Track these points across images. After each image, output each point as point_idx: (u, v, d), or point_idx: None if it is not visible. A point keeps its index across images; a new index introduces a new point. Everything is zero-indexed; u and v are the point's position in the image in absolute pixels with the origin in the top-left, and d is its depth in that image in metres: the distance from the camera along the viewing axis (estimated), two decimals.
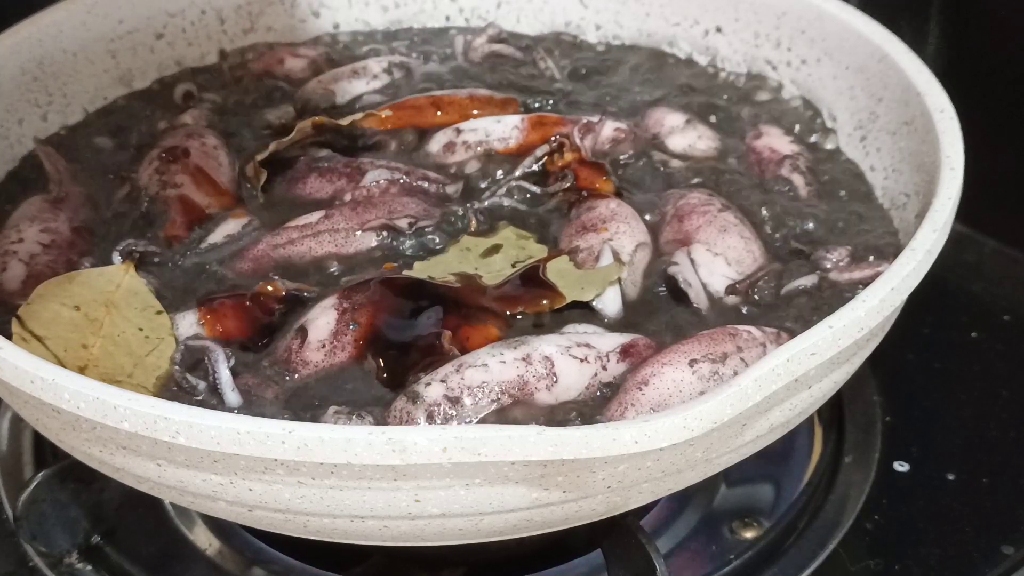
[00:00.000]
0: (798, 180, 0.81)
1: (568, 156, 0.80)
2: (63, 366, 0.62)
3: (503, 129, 0.83)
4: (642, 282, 0.72)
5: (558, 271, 0.71)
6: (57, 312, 0.69)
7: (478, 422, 0.63)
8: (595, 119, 0.83)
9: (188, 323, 0.70)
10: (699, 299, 0.71)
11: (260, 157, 0.81)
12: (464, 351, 0.66)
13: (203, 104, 0.91)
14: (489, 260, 0.74)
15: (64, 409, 0.59)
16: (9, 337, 0.67)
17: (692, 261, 0.73)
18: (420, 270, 0.72)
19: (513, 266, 0.73)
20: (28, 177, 0.85)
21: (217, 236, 0.77)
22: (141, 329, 0.69)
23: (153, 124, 0.89)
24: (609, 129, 0.84)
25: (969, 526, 0.80)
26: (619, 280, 0.71)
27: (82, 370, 0.66)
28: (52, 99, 0.90)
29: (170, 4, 0.96)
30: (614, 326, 0.70)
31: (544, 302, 0.70)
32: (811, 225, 0.78)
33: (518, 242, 0.75)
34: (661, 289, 0.72)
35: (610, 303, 0.70)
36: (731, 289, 0.72)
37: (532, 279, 0.71)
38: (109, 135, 0.89)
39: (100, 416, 0.57)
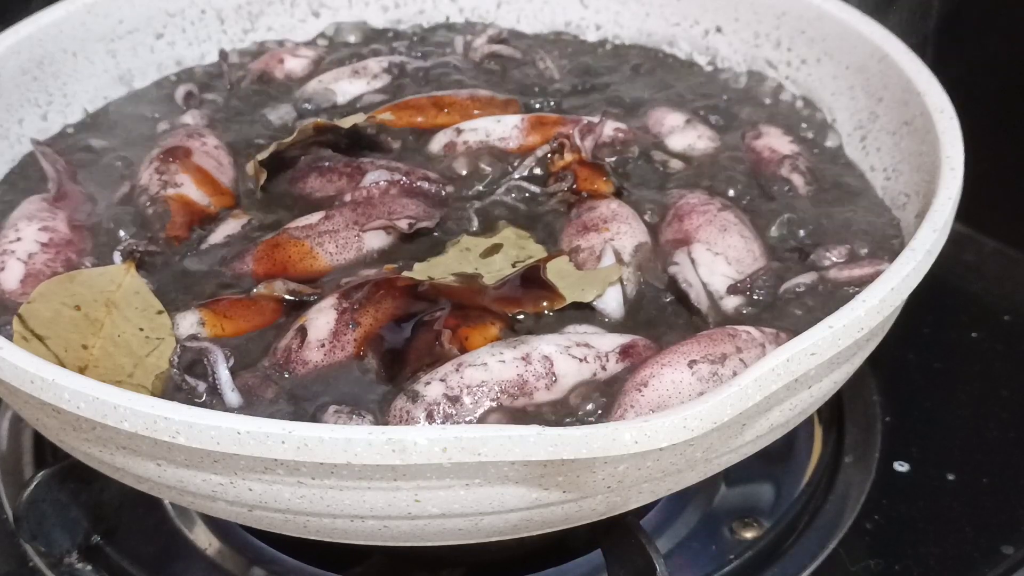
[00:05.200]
0: (797, 180, 0.81)
1: (568, 157, 0.80)
2: (63, 366, 0.62)
3: (503, 129, 0.83)
4: (642, 282, 0.72)
5: (558, 271, 0.71)
6: (58, 311, 0.69)
7: (477, 421, 0.63)
8: (595, 119, 0.83)
9: (189, 323, 0.70)
10: (700, 299, 0.71)
11: (261, 157, 0.81)
12: (464, 351, 0.66)
13: (204, 104, 0.91)
14: (489, 260, 0.74)
15: (64, 409, 0.59)
16: (10, 336, 0.67)
17: (692, 261, 0.73)
18: (420, 271, 0.72)
19: (513, 266, 0.73)
20: (28, 177, 0.85)
21: (218, 236, 0.77)
22: (141, 329, 0.69)
23: (153, 124, 0.89)
24: (609, 129, 0.84)
25: (969, 526, 0.80)
26: (620, 280, 0.71)
27: (82, 370, 0.66)
28: (52, 99, 0.90)
29: (170, 4, 0.96)
30: (615, 326, 0.70)
31: (544, 303, 0.70)
32: (811, 225, 0.77)
33: (518, 242, 0.75)
34: (662, 289, 0.72)
35: (611, 303, 0.70)
36: (732, 289, 0.72)
37: (532, 279, 0.71)
38: (109, 135, 0.89)
39: (100, 416, 0.57)
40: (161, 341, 0.69)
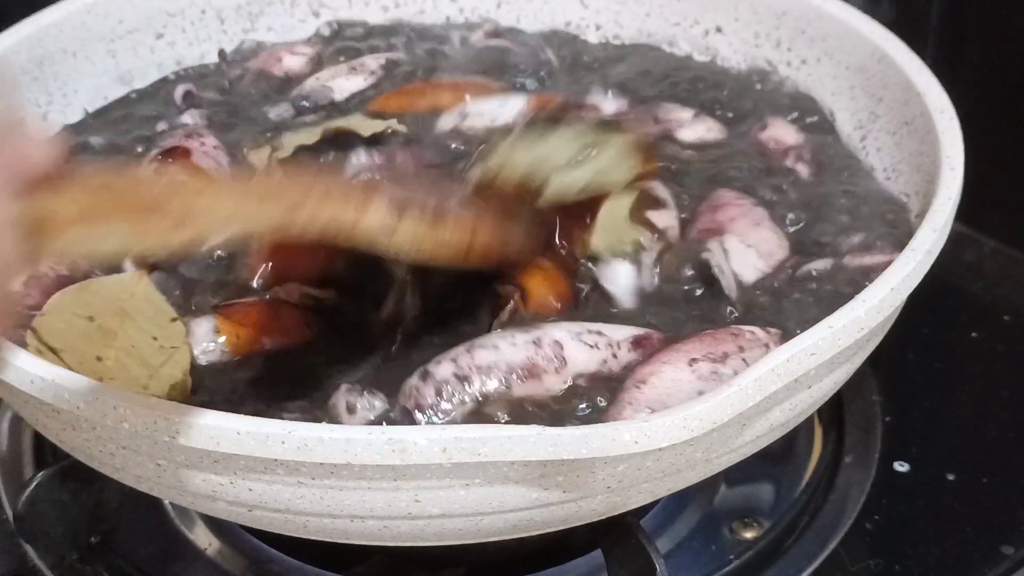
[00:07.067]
0: (802, 169, 0.81)
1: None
2: None
3: (508, 113, 0.83)
4: (663, 273, 0.72)
5: (613, 210, 0.71)
6: (71, 323, 0.68)
7: (484, 401, 0.63)
8: (601, 98, 0.82)
9: (204, 330, 0.69)
10: (730, 287, 0.71)
11: (282, 155, 0.80)
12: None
13: (203, 104, 0.91)
14: (566, 164, 0.71)
15: (64, 409, 0.59)
16: (21, 344, 0.66)
17: (725, 251, 0.73)
18: (490, 157, 0.70)
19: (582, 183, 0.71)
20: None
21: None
22: (155, 338, 0.68)
23: (152, 124, 0.89)
24: (611, 108, 0.83)
25: (969, 526, 0.80)
26: (638, 253, 0.71)
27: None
28: (52, 99, 0.90)
29: (170, 4, 0.96)
30: (628, 315, 0.69)
31: (573, 240, 0.70)
32: (820, 214, 0.77)
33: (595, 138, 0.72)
34: (680, 281, 0.72)
35: (622, 280, 0.70)
36: (760, 283, 0.72)
37: (583, 208, 0.70)
38: (109, 135, 0.89)
39: (100, 416, 0.57)
40: (175, 351, 0.67)
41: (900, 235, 0.75)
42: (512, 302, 0.68)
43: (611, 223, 0.71)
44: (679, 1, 0.96)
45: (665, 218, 0.75)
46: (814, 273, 0.72)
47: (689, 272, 0.72)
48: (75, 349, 0.67)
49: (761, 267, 0.73)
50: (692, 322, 0.69)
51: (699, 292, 0.72)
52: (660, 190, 0.76)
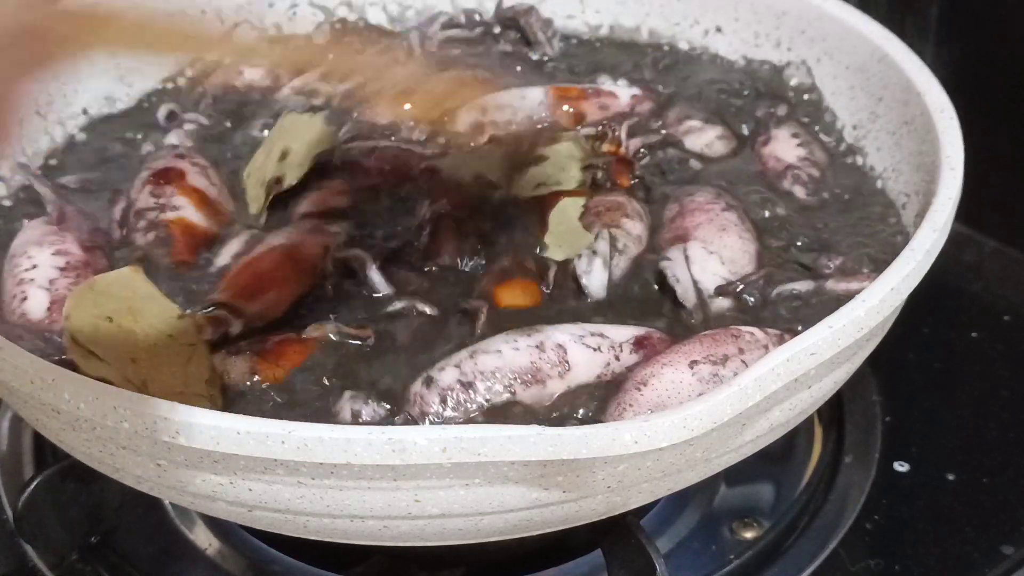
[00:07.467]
0: (799, 191, 0.80)
1: (607, 147, 0.80)
2: (128, 384, 0.61)
3: (529, 105, 0.83)
4: (629, 272, 0.72)
5: (564, 212, 0.71)
6: (95, 324, 0.66)
7: (490, 407, 0.63)
8: (615, 85, 0.82)
9: (240, 371, 0.67)
10: (686, 296, 0.70)
11: (287, 183, 0.78)
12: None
13: (187, 123, 0.89)
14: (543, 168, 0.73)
15: (64, 409, 0.59)
16: (44, 356, 0.65)
17: (687, 258, 0.73)
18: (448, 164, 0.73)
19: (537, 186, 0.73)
20: (31, 198, 0.83)
21: (224, 258, 0.75)
22: (171, 336, 0.67)
23: (136, 144, 0.88)
24: (626, 97, 0.83)
25: (969, 526, 0.80)
26: (607, 262, 0.71)
27: (144, 386, 0.63)
28: (52, 99, 0.90)
29: (170, 4, 0.96)
30: (599, 308, 0.70)
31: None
32: (811, 235, 0.77)
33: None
34: (654, 283, 0.72)
35: (595, 278, 0.70)
36: (721, 289, 0.71)
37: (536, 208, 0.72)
38: (91, 158, 0.87)
39: (100, 416, 0.57)
40: (194, 348, 0.66)
41: (889, 251, 0.74)
42: (482, 315, 0.68)
43: (563, 227, 0.71)
44: (679, 1, 0.96)
45: (635, 226, 0.75)
46: (795, 293, 0.71)
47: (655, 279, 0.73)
48: (110, 353, 0.66)
49: (723, 274, 0.72)
50: (662, 321, 0.70)
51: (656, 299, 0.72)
52: (632, 203, 0.76)
